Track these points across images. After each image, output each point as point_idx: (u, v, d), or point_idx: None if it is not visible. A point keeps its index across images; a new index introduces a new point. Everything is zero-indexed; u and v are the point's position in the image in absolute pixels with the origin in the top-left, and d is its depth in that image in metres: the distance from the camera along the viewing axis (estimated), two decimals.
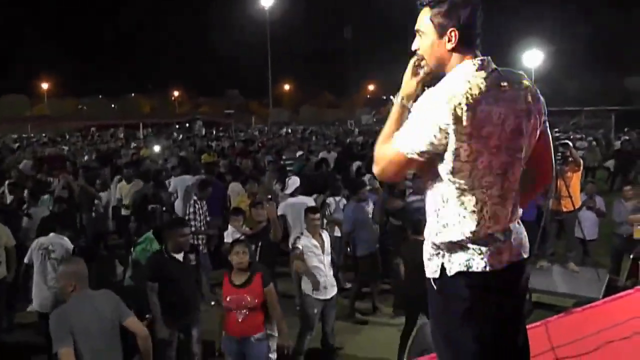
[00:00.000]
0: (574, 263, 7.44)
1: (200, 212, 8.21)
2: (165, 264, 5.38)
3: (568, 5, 55.04)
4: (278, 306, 5.10)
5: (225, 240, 6.64)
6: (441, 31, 2.15)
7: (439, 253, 2.24)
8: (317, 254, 6.06)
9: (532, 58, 44.41)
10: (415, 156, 2.11)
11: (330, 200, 8.55)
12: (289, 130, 41.44)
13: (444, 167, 2.10)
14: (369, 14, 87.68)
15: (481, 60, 2.14)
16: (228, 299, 4.90)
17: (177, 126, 53.24)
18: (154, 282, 5.22)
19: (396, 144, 2.16)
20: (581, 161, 7.66)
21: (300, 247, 6.06)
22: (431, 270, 2.28)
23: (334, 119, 60.69)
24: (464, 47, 2.14)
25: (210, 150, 21.35)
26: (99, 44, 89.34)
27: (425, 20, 2.19)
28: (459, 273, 2.18)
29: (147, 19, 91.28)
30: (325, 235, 6.26)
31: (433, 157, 2.10)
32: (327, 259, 6.16)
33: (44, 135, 40.43)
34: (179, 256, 5.47)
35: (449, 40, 2.14)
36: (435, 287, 2.26)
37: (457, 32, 2.12)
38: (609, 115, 34.51)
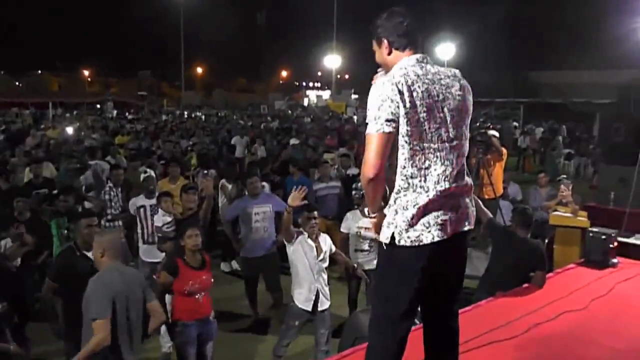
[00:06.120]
0: None
1: (117, 198, 7.86)
2: (74, 263, 4.69)
3: None
4: None
5: (155, 224, 6.38)
6: (379, 43, 2.76)
7: (392, 224, 2.58)
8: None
9: (445, 50, 45.76)
10: (386, 127, 2.47)
11: None
12: (201, 115, 40.49)
13: (401, 131, 2.49)
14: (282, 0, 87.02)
15: (419, 56, 2.65)
16: (191, 284, 4.75)
17: (82, 108, 50.85)
18: (54, 282, 4.70)
19: (369, 132, 2.51)
20: (503, 150, 7.91)
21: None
22: (384, 236, 2.62)
23: (246, 104, 60.04)
24: (399, 49, 2.68)
25: (124, 131, 20.67)
26: (2, 18, 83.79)
27: (373, 43, 2.79)
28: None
29: None
30: (323, 239, 5.60)
31: (397, 126, 2.48)
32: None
33: None
34: (90, 254, 4.62)
35: (384, 48, 2.73)
36: (384, 249, 2.63)
37: (387, 40, 2.71)
38: (517, 106, 36.12)
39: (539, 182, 8.92)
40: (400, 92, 2.46)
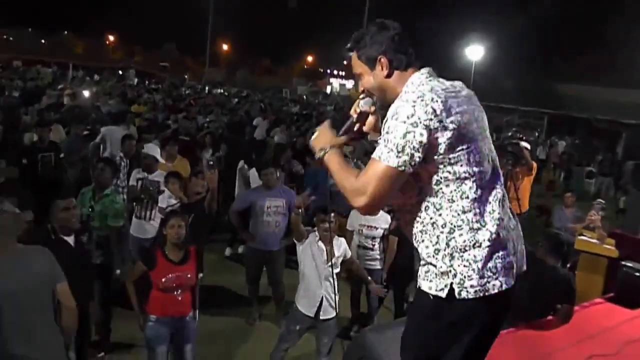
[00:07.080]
0: None
1: (125, 170, 7.49)
2: (51, 248, 3.83)
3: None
4: None
5: (159, 205, 6.08)
6: (371, 64, 2.28)
7: (450, 272, 2.13)
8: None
9: (474, 52, 45.13)
10: (408, 166, 2.05)
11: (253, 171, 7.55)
12: (223, 91, 40.16)
13: (443, 162, 2.09)
14: None
15: (428, 70, 2.26)
16: (168, 279, 4.40)
17: (104, 72, 50.75)
18: None
19: (382, 160, 2.06)
20: (534, 164, 7.48)
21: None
22: (435, 287, 2.16)
23: (269, 86, 59.62)
24: (400, 66, 2.26)
25: (141, 100, 20.34)
26: None
27: (356, 63, 2.33)
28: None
29: None
30: (338, 244, 5.26)
31: (422, 161, 2.06)
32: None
33: None
34: (70, 239, 4.47)
35: (382, 68, 2.27)
36: (432, 300, 2.18)
37: (386, 59, 2.25)
38: (541, 117, 35.43)
39: (565, 201, 8.56)
40: (436, 114, 2.03)
